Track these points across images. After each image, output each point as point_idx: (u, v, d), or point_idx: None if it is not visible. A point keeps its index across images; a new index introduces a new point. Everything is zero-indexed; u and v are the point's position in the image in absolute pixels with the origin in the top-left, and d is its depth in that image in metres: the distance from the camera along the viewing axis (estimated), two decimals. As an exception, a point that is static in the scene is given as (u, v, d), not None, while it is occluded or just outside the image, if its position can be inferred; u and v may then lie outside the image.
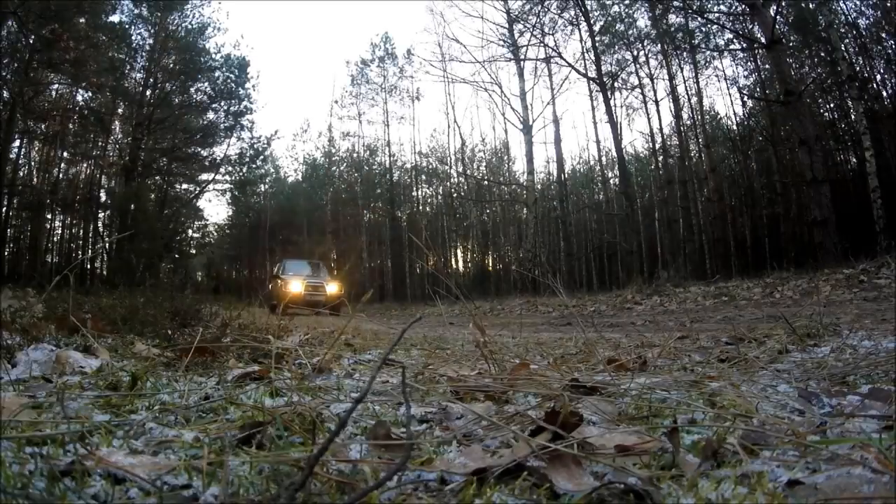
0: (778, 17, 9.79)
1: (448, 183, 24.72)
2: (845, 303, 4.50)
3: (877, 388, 0.93)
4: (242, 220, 29.31)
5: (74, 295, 1.85)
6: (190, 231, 24.58)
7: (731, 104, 23.45)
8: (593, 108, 17.92)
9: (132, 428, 0.73)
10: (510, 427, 0.73)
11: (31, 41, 11.10)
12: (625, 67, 17.20)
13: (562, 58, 15.46)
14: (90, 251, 17.55)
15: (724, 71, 18.04)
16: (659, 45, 16.07)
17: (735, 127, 17.87)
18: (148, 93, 17.91)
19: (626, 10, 16.17)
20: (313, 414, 0.77)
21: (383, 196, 24.90)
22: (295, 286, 12.05)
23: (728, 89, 18.77)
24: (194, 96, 19.01)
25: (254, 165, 22.24)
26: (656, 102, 17.27)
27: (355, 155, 26.02)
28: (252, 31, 75.73)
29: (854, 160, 14.79)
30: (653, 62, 17.10)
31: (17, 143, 15.76)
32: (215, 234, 28.77)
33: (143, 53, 17.67)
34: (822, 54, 14.37)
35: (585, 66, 15.53)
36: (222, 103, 19.43)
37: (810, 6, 13.82)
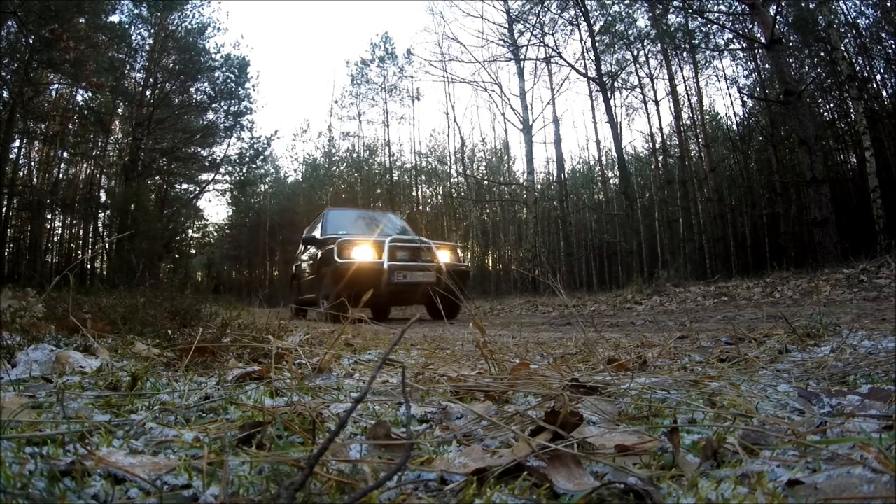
0: (778, 16, 9.79)
1: (448, 183, 24.75)
2: (845, 303, 4.50)
3: (877, 388, 0.93)
4: (242, 220, 29.34)
5: (74, 295, 1.85)
6: (190, 231, 24.62)
7: (731, 104, 23.55)
8: (593, 108, 17.95)
9: (132, 428, 0.73)
10: (510, 427, 0.73)
11: (31, 41, 11.10)
12: (625, 67, 17.21)
13: (562, 58, 15.47)
14: (90, 251, 17.55)
15: (724, 71, 18.15)
16: (659, 45, 16.06)
17: (735, 127, 17.88)
18: (148, 93, 17.91)
19: (626, 10, 16.18)
20: (313, 414, 0.77)
21: (383, 196, 24.90)
22: (362, 253, 5.65)
23: (728, 89, 18.82)
24: (194, 96, 19.03)
25: (254, 165, 22.28)
26: (656, 102, 17.29)
27: (355, 155, 26.06)
28: (252, 31, 75.97)
29: (854, 160, 14.79)
30: (653, 62, 17.12)
31: (17, 143, 15.78)
32: (215, 234, 28.81)
33: (143, 53, 17.68)
34: (822, 54, 14.36)
35: (585, 65, 15.54)
36: (222, 103, 19.47)
37: (810, 6, 13.81)
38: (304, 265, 7.60)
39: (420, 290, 5.76)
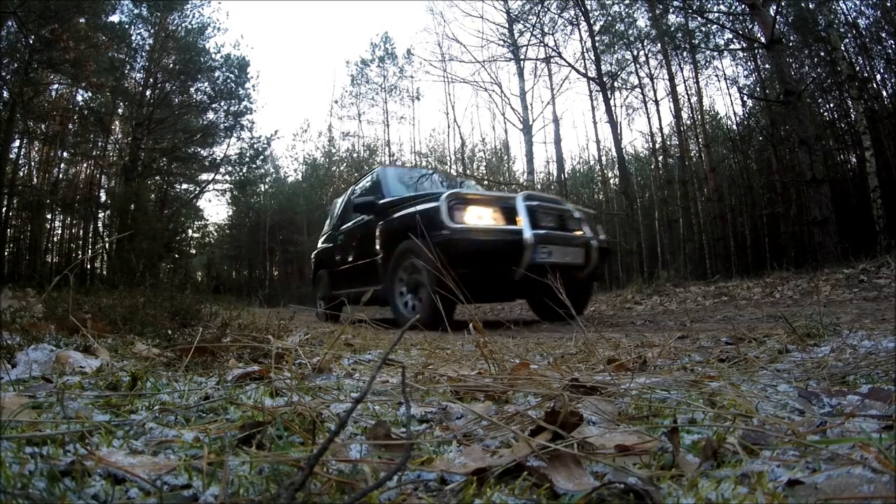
0: (778, 16, 9.78)
1: (448, 183, 24.71)
2: (845, 303, 4.50)
3: (877, 388, 0.93)
4: (242, 220, 29.35)
5: (74, 295, 1.85)
6: (190, 231, 24.64)
7: (731, 104, 23.51)
8: (593, 108, 17.95)
9: (132, 428, 0.73)
10: (510, 427, 0.73)
11: (31, 41, 11.10)
12: (625, 67, 17.20)
13: (562, 58, 15.44)
14: (90, 251, 17.55)
15: (723, 71, 18.09)
16: (659, 45, 16.06)
17: (735, 127, 17.88)
18: (148, 93, 17.92)
19: (626, 10, 16.17)
20: (313, 414, 0.77)
21: (383, 196, 24.86)
22: (484, 217, 3.89)
23: (728, 89, 18.80)
24: (194, 96, 19.04)
25: (254, 165, 22.29)
26: (656, 102, 17.29)
27: (355, 155, 26.08)
28: (252, 31, 75.94)
29: (854, 160, 14.78)
30: (653, 62, 17.12)
31: (17, 143, 15.79)
32: (215, 234, 28.85)
33: (143, 53, 17.69)
34: (822, 54, 14.36)
35: (585, 65, 15.52)
36: (222, 103, 19.47)
37: (810, 6, 13.81)
38: (346, 246, 5.49)
39: (563, 276, 3.97)
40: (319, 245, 6.89)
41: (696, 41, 15.22)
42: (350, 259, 5.38)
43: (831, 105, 15.54)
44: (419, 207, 4.15)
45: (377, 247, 4.70)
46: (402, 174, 5.75)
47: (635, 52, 16.89)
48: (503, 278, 3.75)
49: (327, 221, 7.04)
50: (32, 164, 18.48)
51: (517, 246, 3.71)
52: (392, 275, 4.32)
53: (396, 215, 4.45)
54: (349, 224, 5.67)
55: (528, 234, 3.75)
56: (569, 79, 22.39)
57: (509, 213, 3.92)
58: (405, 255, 4.15)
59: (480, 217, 3.88)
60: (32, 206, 17.42)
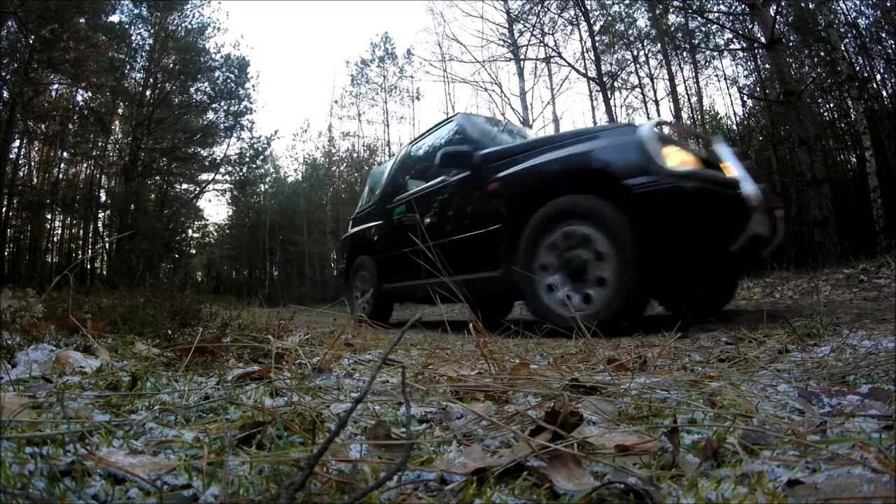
0: (778, 16, 9.79)
1: (448, 183, 24.67)
2: (845, 303, 4.49)
3: (877, 388, 0.93)
4: (242, 220, 29.37)
5: (74, 295, 1.85)
6: (190, 231, 24.67)
7: (731, 104, 23.56)
8: (593, 108, 17.95)
9: (132, 428, 0.73)
10: (510, 427, 0.72)
11: (31, 41, 11.11)
12: (625, 67, 17.21)
13: (562, 58, 15.48)
14: (90, 251, 17.56)
15: (723, 71, 18.10)
16: (659, 45, 16.07)
17: (735, 127, 17.88)
18: (148, 93, 17.94)
19: (626, 10, 16.18)
20: (313, 414, 0.77)
21: (384, 196, 24.84)
22: (680, 161, 2.47)
23: (728, 89, 18.83)
24: (194, 96, 19.06)
25: (254, 165, 22.32)
26: (656, 102, 17.29)
27: (355, 155, 26.10)
28: (252, 31, 75.85)
29: (854, 160, 14.78)
30: (653, 62, 17.13)
31: (17, 143, 15.80)
32: (215, 234, 28.87)
33: (143, 53, 17.71)
34: (822, 54, 14.36)
35: (585, 65, 15.55)
36: (222, 103, 19.50)
37: (810, 6, 13.81)
38: (414, 219, 4.03)
39: (753, 252, 3.07)
40: (353, 228, 5.33)
41: (696, 41, 15.22)
42: (415, 234, 3.38)
43: (831, 105, 15.53)
44: (596, 143, 2.79)
45: (490, 214, 3.31)
46: (486, 123, 4.33)
47: (635, 52, 16.90)
48: (712, 255, 2.64)
49: (363, 196, 5.67)
50: (32, 164, 18.51)
51: (744, 207, 2.62)
52: (529, 252, 2.99)
53: (529, 164, 3.11)
54: (417, 190, 4.22)
55: (752, 189, 2.63)
56: (569, 79, 22.53)
57: (705, 161, 2.76)
58: (555, 220, 2.88)
59: (684, 162, 2.59)
60: (32, 206, 17.43)
